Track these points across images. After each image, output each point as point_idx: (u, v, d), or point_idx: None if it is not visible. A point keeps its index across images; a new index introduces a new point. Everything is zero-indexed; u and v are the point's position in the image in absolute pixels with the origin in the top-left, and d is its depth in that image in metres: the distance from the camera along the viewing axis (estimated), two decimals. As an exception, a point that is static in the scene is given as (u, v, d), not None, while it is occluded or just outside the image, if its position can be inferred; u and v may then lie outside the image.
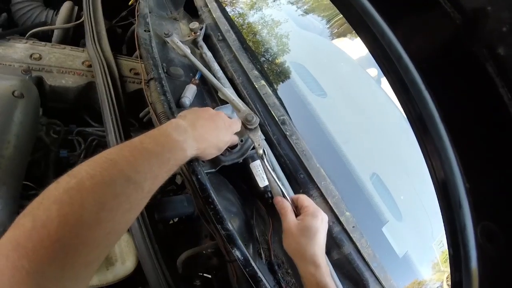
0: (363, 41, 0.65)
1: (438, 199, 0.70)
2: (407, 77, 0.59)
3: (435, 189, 0.69)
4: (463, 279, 0.58)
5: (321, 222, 0.71)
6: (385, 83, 1.50)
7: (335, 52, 1.41)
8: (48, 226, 0.36)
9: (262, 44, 1.28)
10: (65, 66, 1.10)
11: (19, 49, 1.07)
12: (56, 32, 1.33)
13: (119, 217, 0.42)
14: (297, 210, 0.75)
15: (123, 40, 1.44)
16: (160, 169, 0.50)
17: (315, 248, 0.68)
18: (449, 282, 1.19)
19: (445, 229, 0.70)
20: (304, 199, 0.75)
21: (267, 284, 0.66)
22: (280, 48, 1.28)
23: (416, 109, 0.60)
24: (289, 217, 0.71)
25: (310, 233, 0.68)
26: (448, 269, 1.22)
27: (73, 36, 1.37)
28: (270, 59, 1.23)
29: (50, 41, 1.29)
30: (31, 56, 1.07)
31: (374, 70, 1.55)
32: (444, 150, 0.56)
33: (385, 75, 0.67)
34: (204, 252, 0.78)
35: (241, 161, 0.85)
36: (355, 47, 1.52)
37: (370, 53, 0.67)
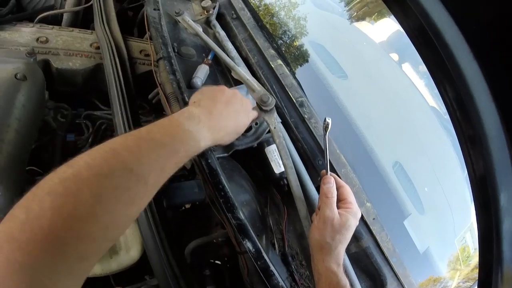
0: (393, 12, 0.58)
1: (472, 192, 0.63)
2: (447, 51, 0.53)
3: (470, 180, 0.62)
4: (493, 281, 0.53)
5: (357, 224, 0.67)
6: (407, 69, 1.43)
7: (356, 34, 1.33)
8: (41, 218, 0.34)
9: (279, 26, 1.21)
10: (73, 48, 1.07)
11: (25, 33, 1.05)
12: (65, 16, 1.31)
13: (119, 211, 0.40)
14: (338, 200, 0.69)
15: (134, 23, 1.40)
16: (167, 161, 0.47)
17: (343, 248, 0.65)
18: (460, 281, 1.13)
19: (478, 227, 0.63)
20: (349, 192, 0.69)
21: (279, 279, 0.62)
22: (298, 30, 1.22)
23: (455, 87, 0.54)
24: (334, 207, 0.65)
25: (347, 233, 0.64)
26: (466, 268, 1.16)
27: (83, 20, 1.35)
28: (287, 41, 1.16)
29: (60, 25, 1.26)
30: (37, 39, 1.04)
31: (395, 55, 1.48)
32: (488, 136, 0.49)
33: (419, 51, 0.60)
34: (214, 241, 0.74)
35: (256, 145, 0.80)
36: (374, 32, 1.45)
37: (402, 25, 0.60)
